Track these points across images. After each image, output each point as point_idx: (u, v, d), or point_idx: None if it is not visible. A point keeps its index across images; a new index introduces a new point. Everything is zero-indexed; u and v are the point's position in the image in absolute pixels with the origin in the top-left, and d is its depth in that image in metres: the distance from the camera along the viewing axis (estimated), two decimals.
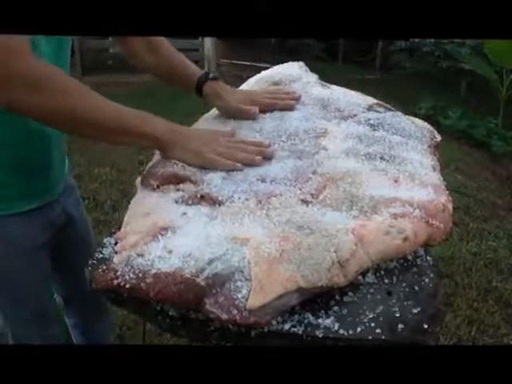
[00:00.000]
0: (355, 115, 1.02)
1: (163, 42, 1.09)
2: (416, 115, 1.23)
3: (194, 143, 0.87)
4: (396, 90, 5.38)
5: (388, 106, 1.11)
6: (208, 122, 1.07)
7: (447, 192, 0.83)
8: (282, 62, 1.34)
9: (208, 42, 5.86)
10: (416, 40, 5.57)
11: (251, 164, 0.85)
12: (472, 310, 2.11)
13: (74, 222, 1.15)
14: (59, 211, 1.08)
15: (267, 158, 0.87)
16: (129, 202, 0.80)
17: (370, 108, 1.07)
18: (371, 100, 1.13)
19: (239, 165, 0.84)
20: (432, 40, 5.50)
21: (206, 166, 0.84)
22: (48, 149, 1.00)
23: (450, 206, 0.80)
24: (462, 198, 3.15)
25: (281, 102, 1.04)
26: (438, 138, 1.08)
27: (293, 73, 1.23)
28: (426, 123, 1.11)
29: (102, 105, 0.82)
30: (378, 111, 1.06)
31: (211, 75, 1.07)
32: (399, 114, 1.08)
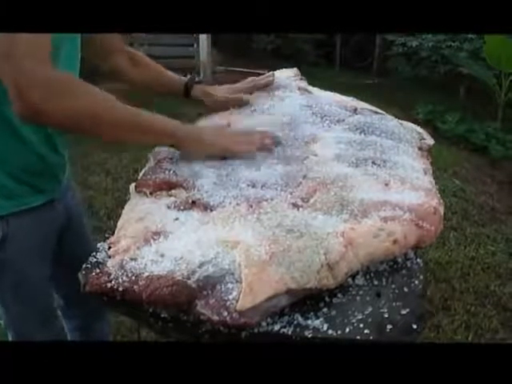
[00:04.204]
0: (343, 120, 1.03)
1: (143, 56, 1.22)
2: (414, 120, 1.23)
3: (208, 136, 0.95)
4: (394, 95, 5.39)
5: (374, 108, 1.12)
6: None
7: (439, 195, 0.84)
8: (278, 69, 1.35)
9: (204, 49, 5.76)
10: (414, 45, 5.57)
11: (263, 149, 0.93)
12: (469, 315, 2.10)
13: (73, 222, 1.18)
14: (61, 210, 1.11)
15: (273, 144, 0.95)
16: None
17: (355, 111, 1.08)
18: (355, 103, 1.14)
19: (255, 150, 0.92)
20: (430, 44, 5.50)
21: (225, 155, 0.92)
22: (55, 150, 1.03)
23: (441, 209, 0.81)
24: (460, 202, 3.14)
25: (259, 82, 1.22)
26: (430, 141, 1.09)
27: (279, 80, 1.25)
28: (415, 126, 1.12)
29: (120, 105, 0.86)
30: (363, 114, 1.07)
31: (196, 79, 1.21)
32: (387, 116, 1.09)
